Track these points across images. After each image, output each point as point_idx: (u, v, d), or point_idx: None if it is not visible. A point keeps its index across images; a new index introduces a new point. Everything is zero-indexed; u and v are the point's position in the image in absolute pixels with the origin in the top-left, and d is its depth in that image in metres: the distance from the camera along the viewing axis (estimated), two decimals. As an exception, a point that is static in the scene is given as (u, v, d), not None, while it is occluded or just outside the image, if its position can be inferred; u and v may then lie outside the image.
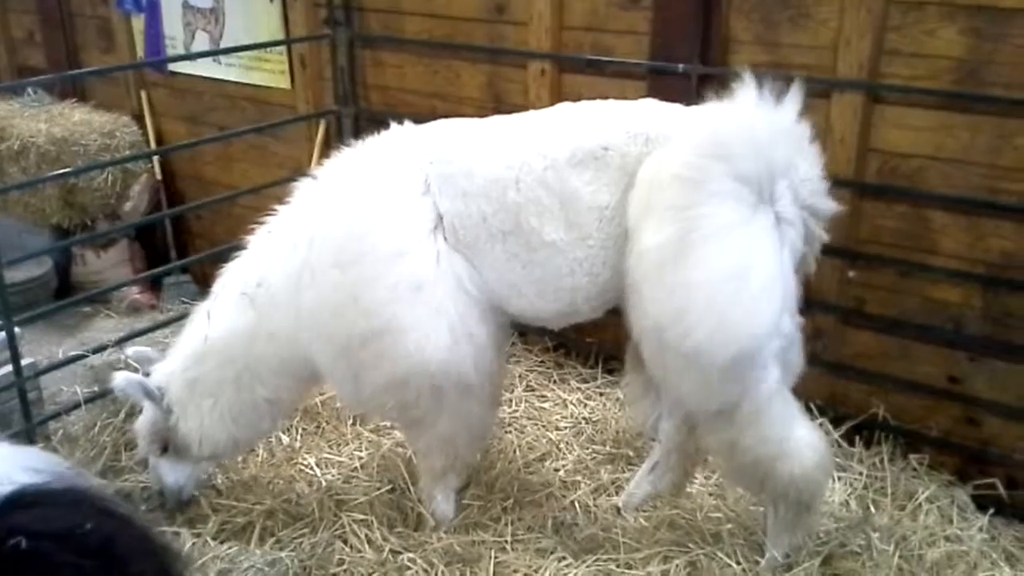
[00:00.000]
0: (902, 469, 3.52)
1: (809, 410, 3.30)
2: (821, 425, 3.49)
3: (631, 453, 3.69)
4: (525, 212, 2.83)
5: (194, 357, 3.20)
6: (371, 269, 2.84)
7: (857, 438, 3.65)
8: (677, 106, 2.87)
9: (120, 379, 3.17)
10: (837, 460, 3.45)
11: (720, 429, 2.75)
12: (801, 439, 2.75)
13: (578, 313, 3.01)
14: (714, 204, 2.49)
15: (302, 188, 3.15)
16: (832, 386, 3.74)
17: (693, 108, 2.84)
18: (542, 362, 4.41)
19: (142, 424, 3.29)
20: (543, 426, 3.92)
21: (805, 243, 2.66)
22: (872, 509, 3.31)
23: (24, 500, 1.26)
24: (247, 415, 3.22)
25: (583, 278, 2.87)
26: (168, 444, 3.26)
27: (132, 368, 3.38)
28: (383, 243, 2.86)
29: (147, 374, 3.31)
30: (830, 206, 2.70)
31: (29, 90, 5.94)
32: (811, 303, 3.46)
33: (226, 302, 3.18)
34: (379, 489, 3.46)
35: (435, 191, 2.90)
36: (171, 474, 3.33)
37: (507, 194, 2.84)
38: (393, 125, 3.10)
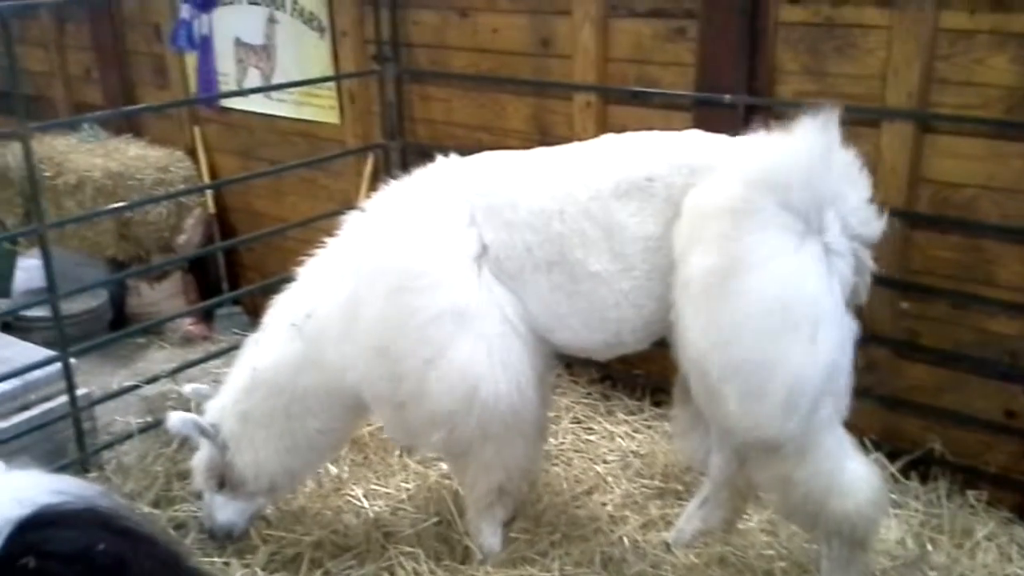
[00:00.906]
0: (960, 506, 3.43)
1: (863, 445, 3.24)
2: (876, 460, 3.41)
3: (680, 488, 3.64)
4: (570, 243, 2.83)
5: (244, 389, 3.23)
6: (417, 300, 2.85)
7: (913, 473, 3.57)
8: (722, 137, 2.87)
9: (175, 419, 3.20)
10: (893, 496, 3.37)
11: (771, 464, 2.70)
12: (855, 473, 2.69)
13: (623, 344, 3.00)
14: (761, 234, 2.48)
15: (350, 220, 3.18)
16: (886, 420, 3.66)
17: (739, 138, 2.83)
18: (589, 394, 4.38)
19: (199, 461, 3.31)
20: (590, 459, 3.89)
21: (855, 273, 2.63)
22: (929, 547, 3.22)
23: (40, 520, 1.26)
24: (300, 446, 3.24)
25: (628, 309, 2.85)
26: (224, 480, 3.29)
27: (185, 400, 3.41)
28: (429, 274, 2.87)
29: (201, 410, 3.35)
30: (878, 232, 2.65)
31: (86, 125, 6.06)
32: (864, 335, 3.39)
33: (275, 333, 3.21)
34: (426, 521, 3.45)
35: (480, 222, 2.92)
36: (224, 511, 3.33)
37: (552, 225, 2.85)
38: (439, 158, 3.13)
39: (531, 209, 2.87)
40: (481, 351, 2.86)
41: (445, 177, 3.06)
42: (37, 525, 1.26)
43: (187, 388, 3.51)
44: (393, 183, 3.15)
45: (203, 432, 3.22)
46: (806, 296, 2.49)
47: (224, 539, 3.38)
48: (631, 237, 2.77)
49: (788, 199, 2.48)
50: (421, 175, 3.11)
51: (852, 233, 2.58)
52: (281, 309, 3.25)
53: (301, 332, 3.13)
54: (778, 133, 2.61)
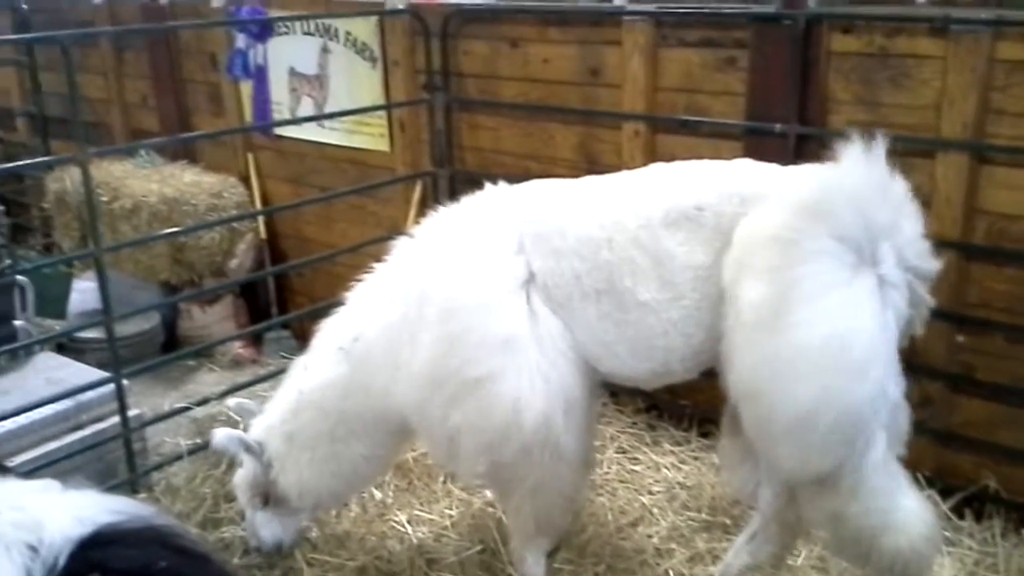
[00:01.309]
0: (1015, 544, 3.35)
1: (916, 481, 3.16)
2: (929, 497, 3.33)
3: (728, 521, 3.59)
4: (618, 271, 2.82)
5: (291, 411, 3.26)
6: (464, 326, 2.86)
7: (967, 511, 3.49)
8: (773, 166, 2.85)
9: (221, 436, 3.24)
10: (946, 534, 3.30)
11: (822, 499, 2.65)
12: (908, 510, 2.63)
13: (671, 374, 2.98)
14: (812, 264, 2.45)
15: (399, 246, 3.21)
16: (940, 456, 3.59)
17: (790, 168, 2.81)
18: (634, 423, 4.35)
19: (242, 478, 3.35)
20: (636, 490, 3.86)
21: (910, 306, 2.58)
22: (984, 587, 3.15)
23: (103, 538, 1.30)
24: (344, 470, 3.26)
25: (677, 339, 2.83)
26: (268, 497, 3.32)
27: (233, 421, 3.45)
28: (476, 300, 2.88)
29: (246, 427, 3.38)
30: (934, 267, 2.61)
31: (142, 152, 6.19)
32: (918, 369, 3.35)
33: (322, 356, 3.24)
34: (469, 549, 3.45)
35: (528, 249, 2.93)
36: (269, 527, 3.35)
37: (600, 253, 2.84)
38: (488, 185, 3.15)
39: (579, 237, 2.87)
40: (527, 378, 2.85)
41: (494, 204, 3.08)
42: (98, 543, 1.29)
43: (231, 402, 3.55)
44: (442, 210, 3.17)
45: (248, 449, 3.25)
46: (859, 329, 2.44)
47: (274, 554, 3.41)
48: (680, 266, 2.76)
49: (839, 228, 2.44)
50: (470, 202, 3.13)
51: (907, 265, 2.54)
52: (329, 333, 3.27)
53: (348, 355, 3.16)
54: (828, 162, 2.59)
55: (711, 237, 2.73)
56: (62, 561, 1.26)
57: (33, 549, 1.27)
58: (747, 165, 2.91)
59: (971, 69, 3.23)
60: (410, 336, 2.98)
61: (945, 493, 3.51)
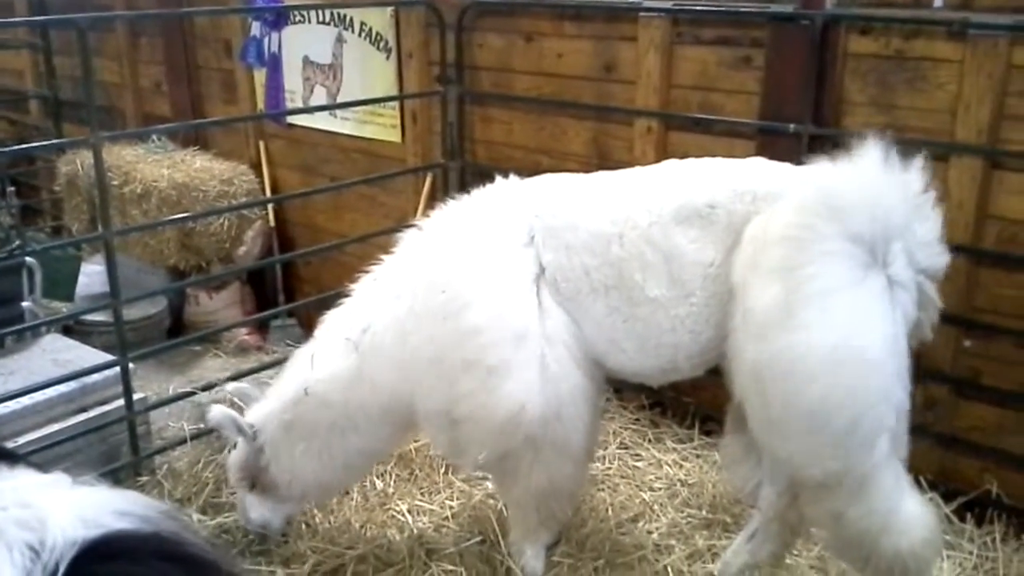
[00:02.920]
0: (1015, 549, 3.35)
1: (918, 484, 3.16)
2: (931, 500, 3.34)
3: (728, 519, 3.59)
4: (628, 267, 2.82)
5: (292, 400, 3.25)
6: (473, 318, 2.86)
7: (968, 515, 3.49)
8: (786, 165, 2.84)
9: (216, 412, 3.24)
10: (946, 537, 3.30)
11: (824, 499, 2.65)
12: (909, 513, 2.63)
13: (678, 371, 2.97)
14: (823, 264, 2.44)
15: (408, 237, 3.21)
16: (943, 460, 3.58)
17: (803, 167, 2.80)
18: (637, 420, 4.35)
19: (234, 459, 3.36)
20: (637, 486, 3.86)
21: (919, 308, 2.57)
22: (985, 593, 3.14)
23: (107, 549, 1.25)
24: (336, 462, 3.25)
25: (685, 335, 2.83)
26: (256, 482, 3.32)
27: (236, 405, 3.45)
28: (485, 292, 2.88)
29: (244, 412, 3.38)
30: (944, 262, 2.60)
31: (154, 137, 6.21)
32: (924, 373, 3.34)
33: (330, 347, 3.23)
34: (469, 540, 3.45)
35: (539, 243, 2.93)
36: (257, 510, 3.37)
37: (610, 249, 2.84)
38: (499, 178, 3.15)
39: (591, 232, 2.87)
40: (534, 372, 2.85)
41: (504, 197, 3.08)
42: (103, 556, 1.23)
43: (230, 387, 3.56)
44: (452, 202, 3.17)
45: (240, 431, 3.25)
46: (869, 330, 2.44)
47: (260, 536, 3.43)
48: (690, 263, 2.76)
49: (851, 227, 2.44)
50: (481, 194, 3.13)
51: (918, 267, 2.53)
52: (334, 324, 3.27)
53: (357, 347, 3.15)
54: (842, 162, 2.58)
55: (722, 235, 2.73)
56: (63, 568, 1.20)
57: (34, 551, 1.21)
58: (760, 164, 2.91)
59: (988, 74, 3.21)
60: (419, 329, 2.97)
61: (947, 497, 3.51)
